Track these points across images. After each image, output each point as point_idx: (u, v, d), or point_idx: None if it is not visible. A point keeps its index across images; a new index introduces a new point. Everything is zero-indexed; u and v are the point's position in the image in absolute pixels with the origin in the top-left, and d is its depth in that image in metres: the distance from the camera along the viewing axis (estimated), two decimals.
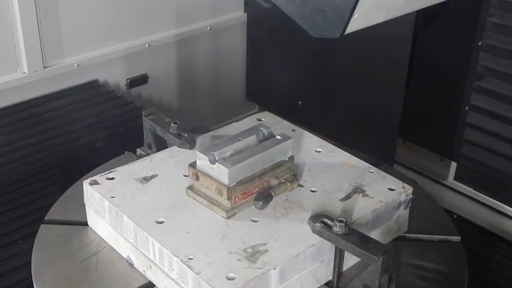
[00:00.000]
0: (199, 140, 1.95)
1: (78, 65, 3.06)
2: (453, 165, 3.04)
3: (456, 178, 2.99)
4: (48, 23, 2.92)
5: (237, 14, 3.64)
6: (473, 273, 2.44)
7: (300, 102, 3.30)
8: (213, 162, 1.66)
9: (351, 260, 1.68)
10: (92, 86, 3.10)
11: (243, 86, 3.77)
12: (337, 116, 3.15)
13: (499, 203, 2.90)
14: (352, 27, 1.70)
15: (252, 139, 1.76)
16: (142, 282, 1.66)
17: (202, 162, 1.68)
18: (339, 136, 2.18)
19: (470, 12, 2.76)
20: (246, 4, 3.61)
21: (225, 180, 1.64)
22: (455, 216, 2.90)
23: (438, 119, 3.05)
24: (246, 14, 3.64)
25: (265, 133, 1.77)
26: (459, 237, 1.83)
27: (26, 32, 2.83)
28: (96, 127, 2.86)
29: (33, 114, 2.87)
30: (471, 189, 2.97)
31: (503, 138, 2.74)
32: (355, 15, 1.66)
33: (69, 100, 2.98)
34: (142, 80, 3.29)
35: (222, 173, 1.65)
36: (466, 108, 2.85)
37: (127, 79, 3.24)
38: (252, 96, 3.67)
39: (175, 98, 3.49)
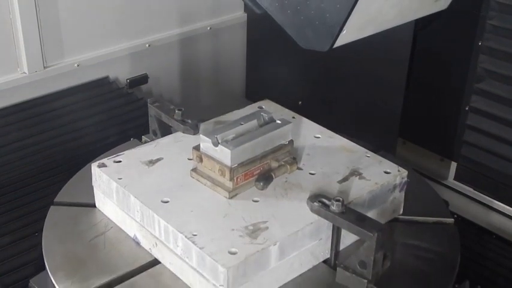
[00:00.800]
0: (203, 126, 2.11)
1: (78, 65, 3.15)
2: (453, 165, 3.14)
3: (456, 178, 3.08)
4: (48, 23, 3.01)
5: (237, 14, 3.75)
6: (473, 273, 2.58)
7: (300, 102, 3.40)
8: (216, 144, 1.81)
9: (348, 240, 1.83)
10: (93, 86, 3.20)
11: (243, 86, 3.87)
12: (337, 116, 3.24)
13: (499, 203, 2.99)
14: (341, 41, 1.84)
15: (253, 123, 1.92)
16: (149, 259, 1.81)
17: (206, 144, 1.84)
18: None
19: (470, 13, 2.87)
20: (246, 4, 3.72)
21: (228, 162, 1.80)
22: (455, 216, 2.97)
23: (438, 120, 3.16)
24: (246, 14, 3.75)
25: (266, 118, 1.93)
26: (452, 220, 1.99)
27: (26, 32, 2.92)
28: (96, 127, 2.98)
29: (33, 114, 2.97)
30: (471, 189, 3.06)
31: (503, 139, 2.84)
32: (344, 31, 1.80)
33: (70, 100, 3.08)
34: (142, 80, 3.38)
35: (224, 154, 1.80)
36: (466, 109, 2.95)
37: (127, 79, 3.32)
38: (252, 96, 3.70)
39: (176, 98, 3.57)
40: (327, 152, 2.04)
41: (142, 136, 2.27)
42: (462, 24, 2.94)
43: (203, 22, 3.61)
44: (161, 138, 2.13)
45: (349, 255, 1.73)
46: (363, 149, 2.07)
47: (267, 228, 1.71)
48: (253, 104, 2.31)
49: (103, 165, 1.95)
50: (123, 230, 1.91)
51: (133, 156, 2.00)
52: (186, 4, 3.49)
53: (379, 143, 2.40)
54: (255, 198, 1.83)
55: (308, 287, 1.75)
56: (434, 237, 1.93)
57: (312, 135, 2.14)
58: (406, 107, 3.08)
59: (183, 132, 2.09)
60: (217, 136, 1.82)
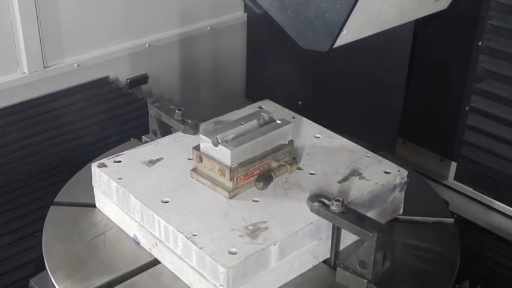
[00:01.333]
0: (203, 126, 2.12)
1: (78, 65, 3.16)
2: (453, 165, 3.13)
3: (456, 178, 3.08)
4: (48, 23, 3.01)
5: (237, 14, 3.76)
6: (473, 273, 2.58)
7: (300, 102, 3.40)
8: (216, 144, 1.81)
9: (348, 240, 1.84)
10: (93, 86, 3.21)
11: (243, 85, 3.88)
12: (337, 117, 3.20)
13: (499, 203, 2.99)
14: (341, 41, 1.84)
15: (253, 123, 1.92)
16: (148, 259, 1.81)
17: (206, 144, 1.84)
18: None
19: (470, 13, 2.86)
20: (246, 4, 3.72)
21: (228, 162, 1.80)
22: (455, 216, 2.96)
23: (438, 120, 3.16)
24: (246, 14, 3.76)
25: (266, 118, 1.93)
26: (452, 220, 1.99)
27: (26, 32, 2.93)
28: (96, 127, 2.98)
29: (33, 114, 2.97)
30: (471, 189, 3.06)
31: (503, 139, 2.84)
32: (344, 31, 1.80)
33: (70, 100, 3.09)
34: (142, 80, 3.39)
35: (224, 154, 1.80)
36: (466, 109, 2.95)
37: (127, 79, 3.32)
38: (252, 96, 3.70)
39: (176, 98, 3.58)
40: (327, 152, 2.05)
41: (143, 136, 2.27)
42: (462, 24, 2.93)
43: (203, 22, 3.62)
44: (161, 138, 2.13)
45: (349, 255, 1.73)
46: (363, 149, 2.07)
47: (267, 228, 1.72)
48: (253, 104, 2.31)
49: (103, 165, 1.95)
50: (123, 230, 1.91)
51: (133, 156, 2.00)
52: (186, 4, 3.50)
53: (379, 143, 2.40)
54: (255, 198, 1.83)
55: (308, 287, 1.75)
56: (434, 237, 1.93)
57: (312, 135, 2.14)
58: (406, 107, 3.08)
59: (183, 132, 2.09)
60: (217, 136, 1.83)
